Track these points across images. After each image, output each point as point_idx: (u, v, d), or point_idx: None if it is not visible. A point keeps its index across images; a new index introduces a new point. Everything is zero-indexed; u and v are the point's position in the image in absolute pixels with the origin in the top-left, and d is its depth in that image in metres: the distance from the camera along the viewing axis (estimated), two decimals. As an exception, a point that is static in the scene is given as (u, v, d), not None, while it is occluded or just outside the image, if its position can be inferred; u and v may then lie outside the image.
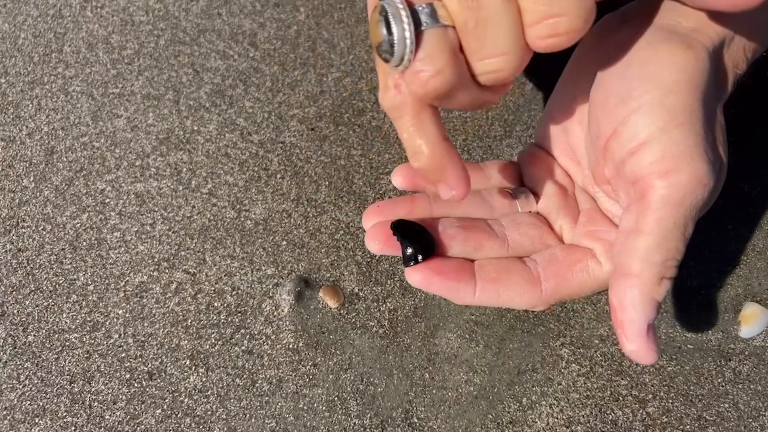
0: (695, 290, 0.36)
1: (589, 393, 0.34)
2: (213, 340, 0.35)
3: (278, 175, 0.39)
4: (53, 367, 0.35)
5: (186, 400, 0.34)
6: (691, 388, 0.34)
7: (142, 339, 0.35)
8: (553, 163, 0.34)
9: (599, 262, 0.28)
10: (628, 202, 0.26)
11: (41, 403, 0.34)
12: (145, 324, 0.35)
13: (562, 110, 0.32)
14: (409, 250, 0.27)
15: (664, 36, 0.26)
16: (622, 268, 0.25)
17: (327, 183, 0.39)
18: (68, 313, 0.36)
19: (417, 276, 0.27)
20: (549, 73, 0.41)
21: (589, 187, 0.32)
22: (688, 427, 0.33)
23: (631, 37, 0.27)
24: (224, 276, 0.36)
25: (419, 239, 0.27)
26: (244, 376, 0.34)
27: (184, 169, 0.39)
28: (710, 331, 0.35)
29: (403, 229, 0.28)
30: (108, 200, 0.38)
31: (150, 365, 0.34)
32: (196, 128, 0.40)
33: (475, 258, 0.29)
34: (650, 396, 0.34)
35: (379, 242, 0.29)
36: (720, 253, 0.37)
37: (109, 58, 0.43)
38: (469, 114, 0.40)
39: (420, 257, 0.27)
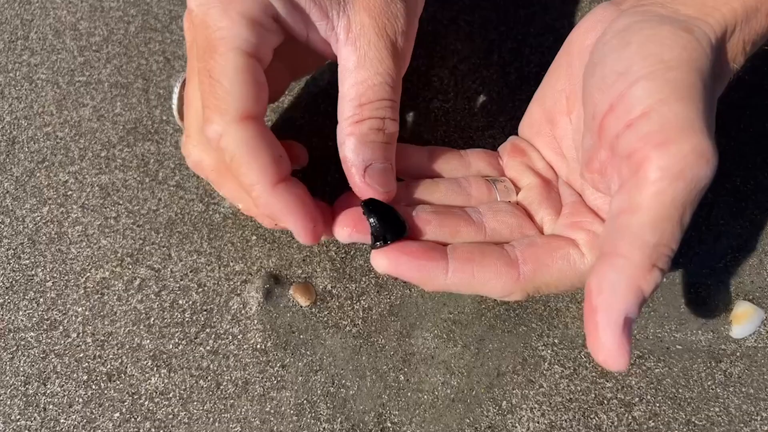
0: (685, 288, 0.34)
1: (572, 396, 0.32)
2: (177, 340, 0.33)
3: (250, 167, 0.37)
4: (7, 368, 0.33)
5: (146, 402, 0.32)
6: (680, 390, 0.32)
7: (102, 338, 0.33)
8: (536, 155, 0.32)
9: (582, 253, 0.26)
10: (620, 183, 0.23)
11: (-7, 406, 0.32)
12: (106, 322, 0.33)
13: (551, 100, 0.31)
14: (377, 228, 0.25)
15: (663, 20, 0.24)
16: (607, 249, 0.22)
17: (300, 175, 0.37)
18: (25, 310, 0.34)
19: (383, 260, 0.25)
20: (533, 64, 0.40)
21: (574, 181, 0.30)
22: (676, 431, 0.31)
23: (628, 22, 0.25)
24: (190, 272, 0.34)
25: (389, 219, 0.26)
26: (209, 378, 0.32)
27: (152, 161, 0.37)
28: (700, 331, 0.33)
29: (374, 208, 0.26)
30: (70, 192, 0.37)
31: (109, 366, 0.33)
32: (165, 118, 0.39)
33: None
34: (636, 399, 0.32)
35: (348, 228, 0.27)
36: (711, 250, 0.35)
37: (76, 45, 0.41)
38: (450, 104, 0.38)
39: (388, 237, 0.25)
